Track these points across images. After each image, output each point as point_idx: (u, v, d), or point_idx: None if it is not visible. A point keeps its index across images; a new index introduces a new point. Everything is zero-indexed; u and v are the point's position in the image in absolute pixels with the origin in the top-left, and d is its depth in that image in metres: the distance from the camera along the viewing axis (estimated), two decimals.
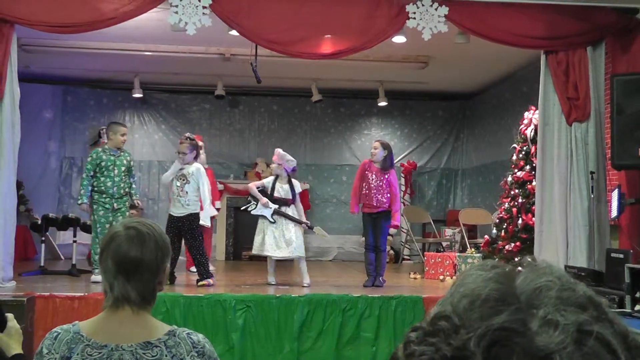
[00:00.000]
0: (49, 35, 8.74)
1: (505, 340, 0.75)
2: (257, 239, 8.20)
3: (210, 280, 7.95)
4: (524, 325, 0.76)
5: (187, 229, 7.96)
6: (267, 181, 8.39)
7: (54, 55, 10.53)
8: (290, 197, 8.27)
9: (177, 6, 7.35)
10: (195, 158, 8.18)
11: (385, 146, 8.45)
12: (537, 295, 0.79)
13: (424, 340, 0.80)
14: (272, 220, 8.10)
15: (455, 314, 0.80)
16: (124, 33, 8.95)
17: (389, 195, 8.26)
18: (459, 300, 0.81)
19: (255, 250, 8.26)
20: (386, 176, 8.27)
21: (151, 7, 7.52)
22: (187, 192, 8.00)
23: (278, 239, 8.10)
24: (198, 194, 8.05)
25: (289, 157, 8.38)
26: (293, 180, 8.42)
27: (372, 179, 8.25)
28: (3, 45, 7.37)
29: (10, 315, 2.51)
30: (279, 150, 8.48)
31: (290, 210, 8.23)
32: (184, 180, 8.02)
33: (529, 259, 0.85)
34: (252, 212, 8.21)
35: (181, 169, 8.07)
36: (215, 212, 9.52)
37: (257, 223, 8.25)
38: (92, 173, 8.05)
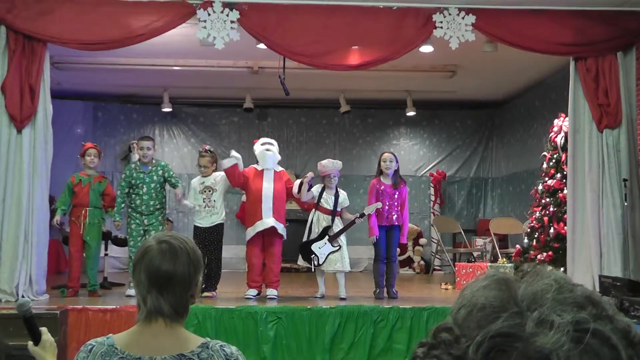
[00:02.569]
0: (80, 53, 8.87)
1: (503, 345, 0.75)
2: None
3: (215, 293, 7.97)
4: (521, 328, 0.76)
5: (213, 239, 7.99)
6: (315, 190, 8.24)
7: (84, 72, 10.67)
8: (336, 208, 8.13)
9: (205, 21, 7.42)
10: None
11: (395, 157, 8.36)
12: (535, 299, 0.79)
13: (428, 354, 0.81)
14: (318, 264, 8.00)
15: (456, 325, 0.81)
16: (153, 49, 9.03)
17: (399, 209, 8.23)
18: (458, 310, 0.82)
19: (304, 263, 8.12)
20: (398, 194, 8.22)
21: (180, 22, 7.60)
22: (214, 201, 8.07)
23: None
24: (222, 201, 8.10)
25: (333, 161, 8.33)
26: (340, 191, 8.27)
27: (387, 198, 8.19)
28: (36, 64, 7.50)
29: (44, 329, 2.54)
30: (322, 162, 8.34)
31: (336, 223, 8.13)
32: (209, 191, 8.06)
33: (531, 267, 0.85)
34: (320, 265, 8.01)
35: (202, 182, 8.11)
36: None
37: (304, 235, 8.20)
38: (126, 190, 8.09)
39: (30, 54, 7.52)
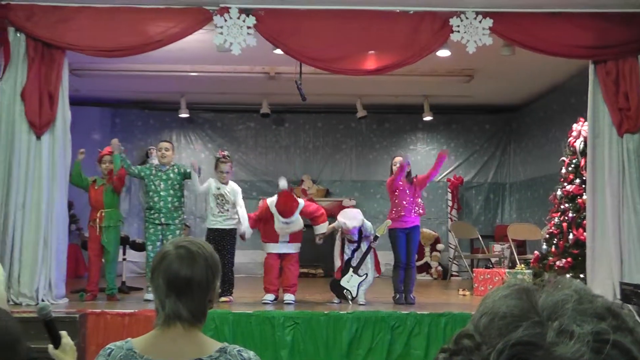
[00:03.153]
0: (97, 60, 8.94)
1: (523, 354, 0.76)
2: (337, 263, 8.21)
3: (232, 298, 8.05)
4: (542, 338, 0.77)
5: (226, 243, 8.05)
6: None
7: (102, 78, 10.75)
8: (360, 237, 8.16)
9: (222, 27, 7.46)
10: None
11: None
12: (555, 309, 0.80)
13: None
14: (353, 297, 8.05)
15: (477, 332, 0.81)
16: (170, 55, 9.07)
17: (417, 208, 8.30)
18: (480, 318, 0.83)
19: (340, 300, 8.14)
20: (414, 188, 8.28)
21: (197, 28, 7.65)
22: (227, 210, 8.14)
23: None
24: (236, 211, 8.14)
25: (357, 216, 8.14)
26: (365, 222, 8.17)
27: (406, 194, 8.24)
28: (55, 71, 7.58)
29: (64, 333, 2.56)
30: (346, 222, 8.08)
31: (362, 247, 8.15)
32: (222, 199, 8.11)
33: (552, 277, 0.86)
34: (354, 298, 8.07)
35: (218, 188, 8.15)
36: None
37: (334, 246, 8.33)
38: (137, 171, 8.35)
39: (50, 61, 7.60)
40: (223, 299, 7.89)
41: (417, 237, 8.41)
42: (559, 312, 0.79)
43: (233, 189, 8.23)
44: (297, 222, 8.24)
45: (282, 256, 8.30)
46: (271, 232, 8.25)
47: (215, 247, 7.91)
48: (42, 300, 7.28)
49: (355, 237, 8.13)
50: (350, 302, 8.01)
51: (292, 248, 8.32)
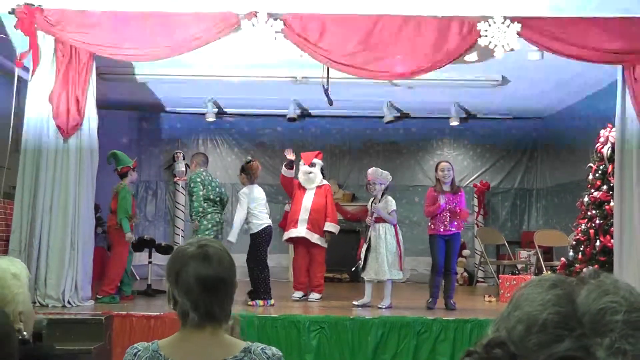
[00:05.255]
0: (125, 64, 9.01)
1: None
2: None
3: (260, 302, 8.22)
4: (589, 353, 0.72)
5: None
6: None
7: (130, 82, 10.81)
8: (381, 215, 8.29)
9: (250, 32, 7.48)
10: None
11: (452, 166, 8.52)
12: (602, 320, 0.74)
13: None
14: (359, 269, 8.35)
15: (511, 341, 0.76)
16: (197, 59, 9.12)
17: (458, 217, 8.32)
18: (514, 325, 0.77)
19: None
20: (458, 201, 8.30)
21: (224, 33, 7.66)
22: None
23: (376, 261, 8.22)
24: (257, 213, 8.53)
25: (383, 172, 8.53)
26: (388, 197, 8.45)
27: (445, 202, 8.26)
28: (83, 74, 7.65)
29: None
30: (371, 170, 8.59)
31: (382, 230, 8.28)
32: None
33: (592, 273, 0.80)
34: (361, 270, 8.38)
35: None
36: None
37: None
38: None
39: (78, 65, 7.66)
40: (251, 303, 8.17)
41: (457, 244, 8.45)
42: (607, 325, 0.73)
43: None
44: (318, 174, 9.13)
45: (309, 252, 8.90)
46: (291, 219, 9.03)
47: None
48: (69, 302, 7.35)
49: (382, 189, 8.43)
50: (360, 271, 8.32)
51: (309, 234, 8.89)
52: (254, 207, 8.57)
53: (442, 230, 8.23)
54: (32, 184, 7.47)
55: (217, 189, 9.02)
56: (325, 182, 9.31)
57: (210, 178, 9.07)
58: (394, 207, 8.36)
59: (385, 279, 8.21)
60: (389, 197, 8.45)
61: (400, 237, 8.37)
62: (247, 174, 8.74)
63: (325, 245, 9.00)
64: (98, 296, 8.04)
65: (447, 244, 8.26)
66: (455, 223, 8.27)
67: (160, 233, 12.11)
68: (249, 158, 9.48)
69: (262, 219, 8.57)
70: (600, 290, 0.77)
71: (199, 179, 8.83)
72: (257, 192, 8.71)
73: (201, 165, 9.16)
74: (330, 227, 9.00)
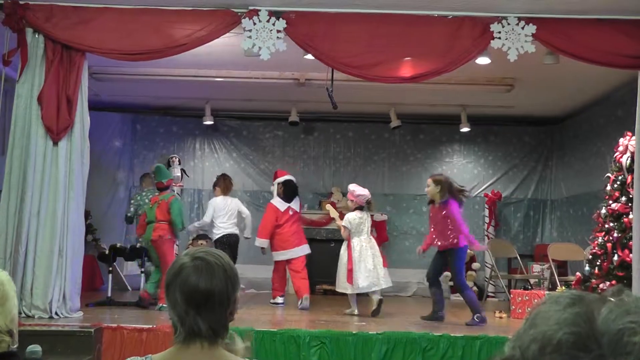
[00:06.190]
0: (119, 63, 9.01)
1: None
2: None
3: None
4: None
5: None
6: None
7: (124, 83, 10.82)
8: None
9: (250, 30, 7.47)
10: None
11: (437, 182, 8.52)
12: (620, 341, 0.73)
13: None
14: None
15: None
16: (195, 59, 9.13)
17: (449, 233, 8.33)
18: (528, 344, 0.76)
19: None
20: (443, 211, 8.34)
21: (224, 32, 7.66)
22: None
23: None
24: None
25: (359, 190, 9.04)
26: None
27: (432, 221, 8.55)
28: (74, 74, 7.63)
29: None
30: (350, 187, 9.26)
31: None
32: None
33: (615, 290, 0.79)
34: None
35: None
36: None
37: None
38: None
39: (68, 64, 7.64)
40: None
41: (454, 259, 8.39)
42: (625, 348, 0.72)
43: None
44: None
45: (289, 260, 9.96)
46: (281, 242, 9.94)
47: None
48: (56, 314, 7.33)
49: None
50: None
51: (302, 250, 10.05)
52: (216, 217, 10.23)
53: (434, 243, 8.49)
54: (19, 188, 7.43)
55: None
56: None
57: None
58: (344, 223, 8.92)
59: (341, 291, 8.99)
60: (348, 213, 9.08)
61: (354, 252, 8.76)
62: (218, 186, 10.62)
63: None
64: (160, 304, 8.46)
65: (443, 255, 8.43)
66: (442, 240, 8.37)
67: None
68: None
69: (221, 229, 10.20)
70: (621, 310, 0.76)
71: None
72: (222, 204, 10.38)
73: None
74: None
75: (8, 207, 7.43)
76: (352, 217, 8.89)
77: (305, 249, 10.00)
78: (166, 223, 8.92)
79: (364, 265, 8.66)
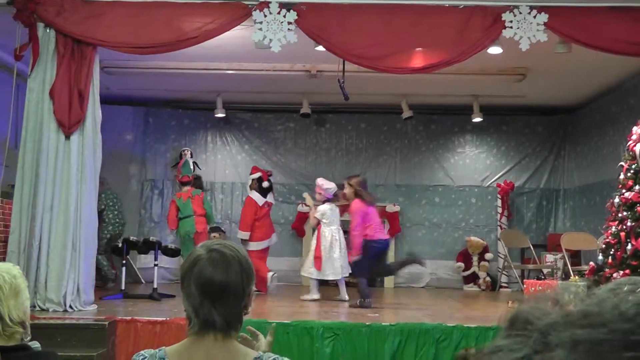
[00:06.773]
0: (130, 57, 9.02)
1: None
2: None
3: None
4: None
5: None
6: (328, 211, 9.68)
7: (135, 76, 10.84)
8: None
9: (261, 22, 7.46)
10: None
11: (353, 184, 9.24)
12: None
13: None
14: None
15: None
16: (205, 52, 9.13)
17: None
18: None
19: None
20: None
21: (235, 24, 7.66)
22: None
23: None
24: None
25: (327, 184, 9.72)
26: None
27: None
28: (86, 68, 7.64)
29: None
30: (317, 181, 9.80)
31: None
32: None
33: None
34: None
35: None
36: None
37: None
38: None
39: (80, 58, 7.66)
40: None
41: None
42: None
43: None
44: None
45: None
46: (264, 231, 10.59)
47: None
48: (70, 307, 7.37)
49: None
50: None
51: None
52: None
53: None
54: (32, 182, 7.47)
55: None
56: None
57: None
58: (317, 215, 9.61)
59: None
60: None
61: (325, 241, 9.46)
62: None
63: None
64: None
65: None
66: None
67: (167, 235, 12.11)
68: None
69: None
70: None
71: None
72: None
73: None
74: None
75: (21, 202, 7.47)
76: (324, 209, 9.57)
77: (274, 238, 10.88)
78: (203, 217, 9.43)
79: (333, 254, 9.37)
